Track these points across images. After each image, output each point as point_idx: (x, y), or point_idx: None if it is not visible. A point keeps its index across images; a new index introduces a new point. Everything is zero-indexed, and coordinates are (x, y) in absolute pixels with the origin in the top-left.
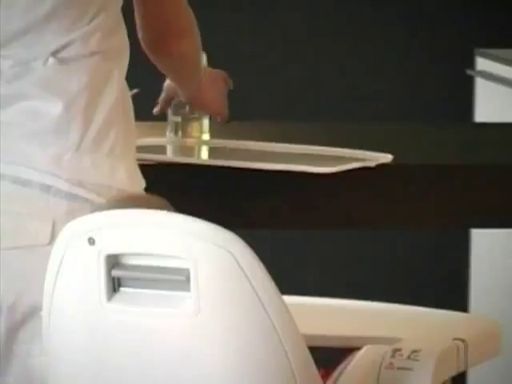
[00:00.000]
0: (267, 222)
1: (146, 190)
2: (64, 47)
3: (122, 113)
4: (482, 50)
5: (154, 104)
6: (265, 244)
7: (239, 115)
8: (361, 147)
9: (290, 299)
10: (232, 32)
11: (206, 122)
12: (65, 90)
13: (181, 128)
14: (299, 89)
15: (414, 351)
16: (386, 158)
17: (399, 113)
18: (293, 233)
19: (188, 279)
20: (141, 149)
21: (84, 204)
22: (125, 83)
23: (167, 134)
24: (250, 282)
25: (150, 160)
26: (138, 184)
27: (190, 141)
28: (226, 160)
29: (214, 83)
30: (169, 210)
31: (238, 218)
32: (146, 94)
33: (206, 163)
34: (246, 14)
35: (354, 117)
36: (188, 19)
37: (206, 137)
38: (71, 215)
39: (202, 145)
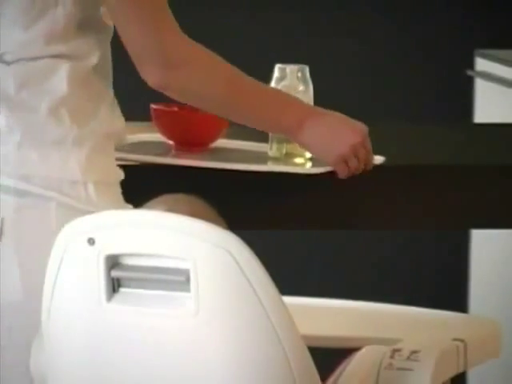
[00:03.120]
0: (267, 222)
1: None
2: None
3: (81, 105)
4: (481, 51)
5: None
6: (265, 244)
7: None
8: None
9: (289, 300)
10: (230, 31)
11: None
12: (3, 90)
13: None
14: None
15: (414, 352)
16: (378, 160)
17: (399, 113)
18: (293, 233)
19: (188, 279)
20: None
21: (35, 200)
22: (91, 73)
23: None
24: (250, 282)
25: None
26: (101, 174)
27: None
28: (220, 162)
29: (331, 130)
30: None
31: (237, 218)
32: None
33: (195, 165)
34: (245, 13)
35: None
36: (182, 48)
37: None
38: (21, 212)
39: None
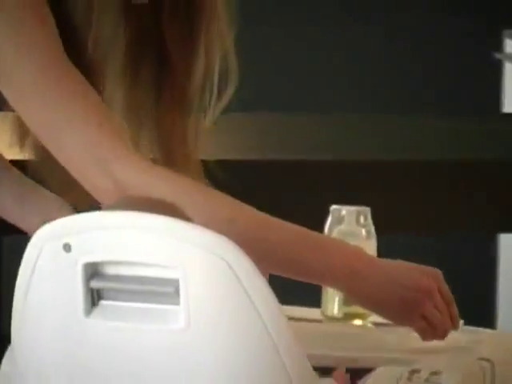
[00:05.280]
0: None
1: None
2: None
3: None
4: (510, 31)
5: None
6: None
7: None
8: (383, 139)
9: (292, 311)
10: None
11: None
12: None
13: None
14: (318, 77)
15: (434, 373)
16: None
17: (423, 101)
18: None
19: (177, 291)
20: None
21: None
22: None
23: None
24: (247, 293)
25: None
26: None
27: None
28: None
29: (393, 275)
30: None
31: None
32: None
33: None
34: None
35: (376, 106)
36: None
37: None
38: None
39: None
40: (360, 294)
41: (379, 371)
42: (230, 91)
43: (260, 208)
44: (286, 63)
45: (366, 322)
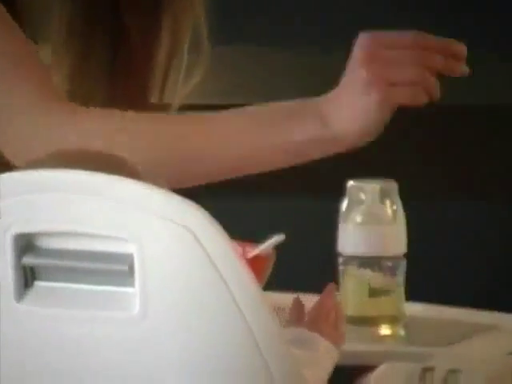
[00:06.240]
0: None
1: None
2: None
3: None
4: None
5: None
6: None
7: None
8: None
9: (279, 297)
10: None
11: None
12: None
13: None
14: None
15: (452, 371)
16: None
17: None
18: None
19: (132, 269)
20: None
21: None
22: None
23: None
24: (219, 272)
25: None
26: None
27: None
28: None
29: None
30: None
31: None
32: None
33: None
34: None
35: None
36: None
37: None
38: None
39: None
40: (338, 114)
41: (383, 369)
42: (202, 67)
43: None
44: None
45: (398, 328)
